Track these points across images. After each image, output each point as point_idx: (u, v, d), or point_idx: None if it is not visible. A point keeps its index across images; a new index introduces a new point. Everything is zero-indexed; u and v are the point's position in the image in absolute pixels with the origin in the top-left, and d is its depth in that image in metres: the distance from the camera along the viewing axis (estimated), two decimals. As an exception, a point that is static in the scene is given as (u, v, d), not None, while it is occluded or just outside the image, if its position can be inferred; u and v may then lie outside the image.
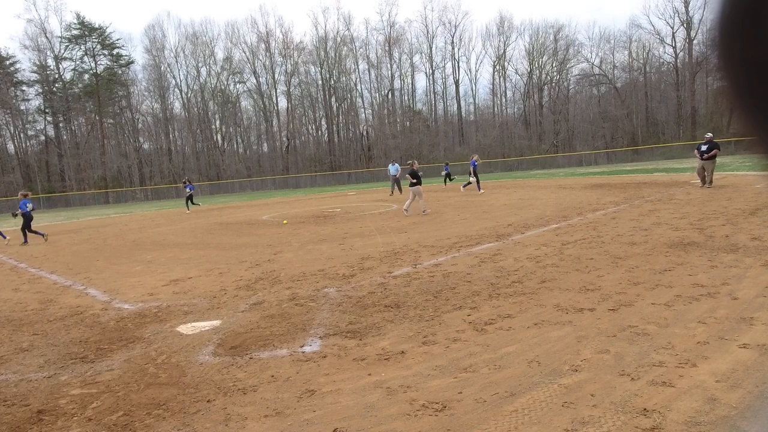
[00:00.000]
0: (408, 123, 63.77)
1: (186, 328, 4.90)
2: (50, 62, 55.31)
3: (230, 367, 3.85)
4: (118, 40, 59.18)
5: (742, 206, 10.38)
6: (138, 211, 30.05)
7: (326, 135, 64.64)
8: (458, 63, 71.57)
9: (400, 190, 23.79)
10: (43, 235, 14.52)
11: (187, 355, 4.17)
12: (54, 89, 55.59)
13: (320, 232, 11.98)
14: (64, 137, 56.50)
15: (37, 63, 54.45)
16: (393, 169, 24.22)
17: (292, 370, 3.70)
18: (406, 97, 65.58)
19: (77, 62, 57.19)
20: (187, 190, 23.57)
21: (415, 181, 13.83)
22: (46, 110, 55.21)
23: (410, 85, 65.49)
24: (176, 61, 60.81)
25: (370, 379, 3.45)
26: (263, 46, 61.71)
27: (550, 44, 61.34)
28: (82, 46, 57.05)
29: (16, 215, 14.31)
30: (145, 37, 71.38)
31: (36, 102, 55.98)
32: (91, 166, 54.28)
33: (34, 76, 55.19)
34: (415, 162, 14.63)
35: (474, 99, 67.42)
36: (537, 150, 56.51)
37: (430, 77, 65.23)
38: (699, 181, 15.05)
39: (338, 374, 3.57)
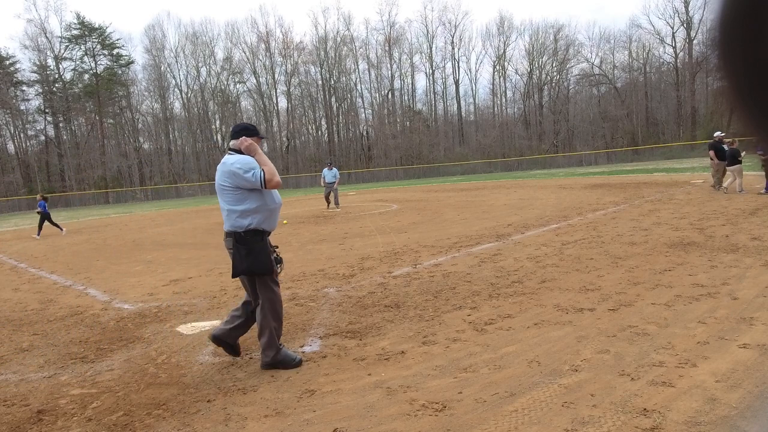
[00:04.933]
0: (408, 123, 63.79)
1: (186, 328, 4.90)
2: (50, 62, 55.35)
3: (230, 367, 3.86)
4: (118, 40, 59.26)
5: (742, 206, 10.38)
6: (138, 211, 30.05)
7: (326, 135, 64.63)
8: (458, 63, 71.64)
9: (336, 201, 19.05)
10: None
11: (187, 355, 4.17)
12: (54, 89, 55.59)
13: (320, 232, 11.98)
14: (64, 137, 56.51)
15: (37, 63, 54.48)
16: (330, 175, 18.63)
17: (292, 370, 3.70)
18: (406, 97, 65.60)
19: (77, 62, 57.26)
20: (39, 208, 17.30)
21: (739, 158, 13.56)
22: (46, 110, 55.21)
23: (410, 85, 65.53)
24: (176, 61, 60.85)
25: (370, 379, 3.45)
26: (263, 46, 61.74)
27: (550, 44, 61.37)
28: (82, 46, 57.09)
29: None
30: (145, 37, 71.47)
31: (36, 102, 56.03)
32: (91, 166, 54.26)
33: (34, 76, 55.23)
34: (735, 141, 14.29)
35: (474, 99, 67.50)
36: (537, 150, 56.51)
37: (430, 77, 65.26)
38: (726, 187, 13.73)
39: (338, 374, 3.57)
